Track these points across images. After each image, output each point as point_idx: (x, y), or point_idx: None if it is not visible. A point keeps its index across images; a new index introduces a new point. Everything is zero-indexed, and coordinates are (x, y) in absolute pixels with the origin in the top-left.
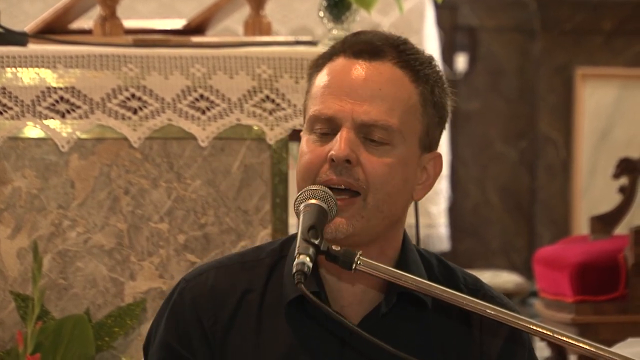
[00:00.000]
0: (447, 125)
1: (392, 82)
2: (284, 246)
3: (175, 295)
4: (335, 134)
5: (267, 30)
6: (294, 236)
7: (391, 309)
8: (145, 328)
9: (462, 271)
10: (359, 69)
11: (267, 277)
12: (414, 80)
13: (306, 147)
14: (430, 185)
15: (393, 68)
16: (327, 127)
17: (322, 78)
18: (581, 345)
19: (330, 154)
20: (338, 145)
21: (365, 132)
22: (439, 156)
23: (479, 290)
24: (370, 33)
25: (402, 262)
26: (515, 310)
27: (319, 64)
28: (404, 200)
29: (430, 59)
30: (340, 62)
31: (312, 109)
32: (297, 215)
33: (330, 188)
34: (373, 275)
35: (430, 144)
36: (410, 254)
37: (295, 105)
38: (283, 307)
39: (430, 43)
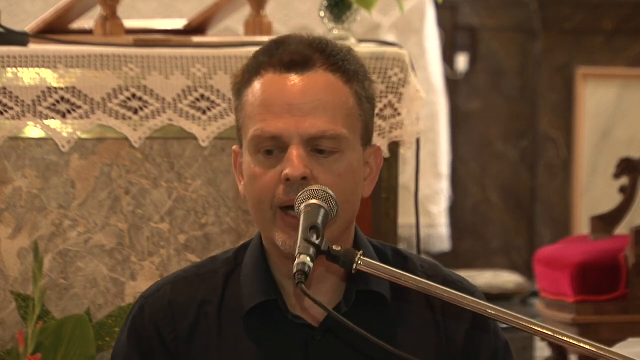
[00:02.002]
0: (447, 125)
1: (329, 88)
2: (238, 255)
3: (134, 313)
4: (281, 151)
5: (268, 30)
6: (247, 245)
7: (351, 307)
8: None
9: (420, 258)
10: (294, 83)
11: (223, 287)
12: (346, 81)
13: (255, 170)
14: (374, 179)
15: (325, 74)
16: (273, 145)
17: (255, 96)
18: (582, 345)
19: (285, 174)
20: (292, 164)
21: (314, 145)
22: (379, 149)
23: (438, 276)
24: (294, 40)
25: None
26: (478, 292)
27: (245, 79)
28: (357, 202)
29: (349, 51)
30: (271, 77)
31: (254, 129)
32: (298, 215)
33: (289, 207)
34: (327, 277)
35: (369, 138)
36: (364, 250)
37: None
38: (242, 316)
39: (430, 43)
